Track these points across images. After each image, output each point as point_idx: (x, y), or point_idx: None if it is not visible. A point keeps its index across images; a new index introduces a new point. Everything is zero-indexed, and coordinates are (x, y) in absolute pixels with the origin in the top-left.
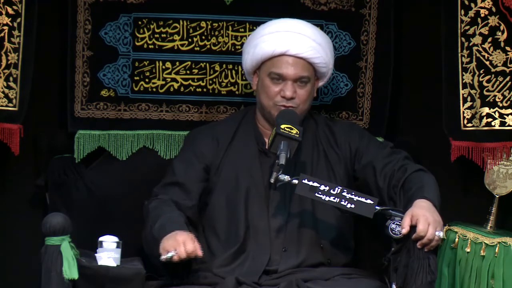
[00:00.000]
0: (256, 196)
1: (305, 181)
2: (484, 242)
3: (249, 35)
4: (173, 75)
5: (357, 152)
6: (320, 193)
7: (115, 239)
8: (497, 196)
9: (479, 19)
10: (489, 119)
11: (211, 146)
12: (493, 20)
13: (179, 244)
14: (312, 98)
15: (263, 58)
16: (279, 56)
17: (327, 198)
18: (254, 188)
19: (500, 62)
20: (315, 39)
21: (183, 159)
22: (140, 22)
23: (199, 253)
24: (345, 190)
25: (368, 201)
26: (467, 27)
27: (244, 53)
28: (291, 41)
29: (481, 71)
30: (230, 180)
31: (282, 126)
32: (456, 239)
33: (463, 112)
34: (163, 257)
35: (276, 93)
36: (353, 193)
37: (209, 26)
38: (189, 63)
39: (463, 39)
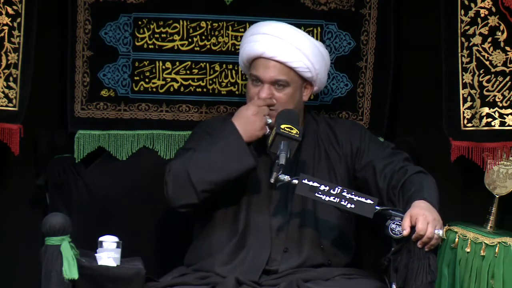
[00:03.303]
0: (259, 193)
1: (305, 181)
2: (484, 242)
3: None
4: (173, 75)
5: (358, 151)
6: (320, 193)
7: (115, 239)
8: (497, 196)
9: (479, 19)
10: (489, 119)
11: None
12: (493, 20)
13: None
14: (298, 101)
15: (248, 60)
16: (257, 59)
17: (327, 198)
18: (258, 185)
19: (500, 62)
20: (293, 43)
21: (198, 136)
22: (140, 22)
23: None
24: (345, 190)
25: (368, 201)
26: (467, 27)
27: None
28: (266, 44)
29: (481, 71)
30: None
31: (282, 126)
32: (456, 239)
33: (463, 112)
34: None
35: (255, 95)
36: (353, 193)
37: (209, 26)
38: (189, 63)
39: (463, 39)
